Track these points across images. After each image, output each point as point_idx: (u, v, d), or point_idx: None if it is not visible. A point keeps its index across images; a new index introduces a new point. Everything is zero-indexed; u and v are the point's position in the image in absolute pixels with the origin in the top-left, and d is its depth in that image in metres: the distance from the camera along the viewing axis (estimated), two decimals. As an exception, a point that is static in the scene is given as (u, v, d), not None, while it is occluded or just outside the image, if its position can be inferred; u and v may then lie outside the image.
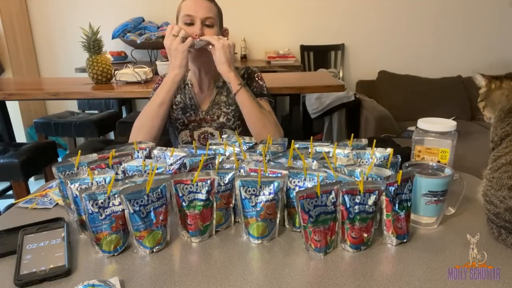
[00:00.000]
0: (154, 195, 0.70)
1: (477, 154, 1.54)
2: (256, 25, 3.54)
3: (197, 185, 0.74)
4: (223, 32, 1.34)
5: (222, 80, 1.35)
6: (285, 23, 3.59)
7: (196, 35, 1.21)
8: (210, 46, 1.21)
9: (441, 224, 0.81)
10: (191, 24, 1.23)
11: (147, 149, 0.97)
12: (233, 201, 0.81)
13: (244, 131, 1.37)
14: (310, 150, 0.92)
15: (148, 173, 0.78)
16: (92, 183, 0.74)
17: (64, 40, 3.50)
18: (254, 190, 0.73)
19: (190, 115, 1.36)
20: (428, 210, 0.79)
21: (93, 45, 2.07)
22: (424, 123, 0.93)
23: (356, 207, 0.69)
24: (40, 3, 3.45)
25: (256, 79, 1.37)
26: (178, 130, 1.38)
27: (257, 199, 0.73)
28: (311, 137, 0.97)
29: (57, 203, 0.93)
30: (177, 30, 1.18)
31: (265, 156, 0.87)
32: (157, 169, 0.80)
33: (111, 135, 3.36)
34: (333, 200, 0.70)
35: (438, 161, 0.91)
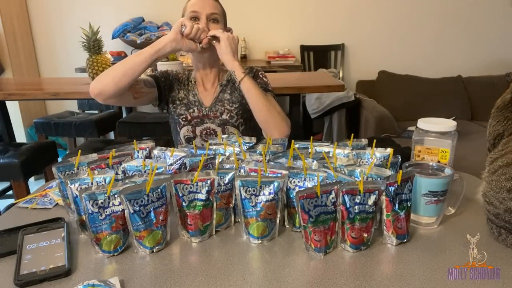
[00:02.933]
0: (154, 195, 0.70)
1: (477, 154, 1.53)
2: (256, 25, 3.54)
3: (197, 185, 0.74)
4: (228, 32, 1.35)
5: (226, 78, 1.37)
6: (285, 23, 3.59)
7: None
8: (214, 41, 1.23)
9: (441, 224, 0.81)
10: (196, 19, 1.25)
11: (147, 149, 0.97)
12: (233, 201, 0.81)
13: (247, 130, 1.38)
14: (310, 150, 0.92)
15: (148, 173, 0.78)
16: (92, 183, 0.74)
17: (64, 40, 3.50)
18: (254, 190, 0.73)
19: (193, 111, 1.37)
20: (428, 210, 0.79)
21: (93, 45, 2.06)
22: (424, 123, 0.93)
23: (356, 207, 0.69)
24: (40, 3, 3.45)
25: (261, 76, 1.39)
26: (180, 125, 1.39)
27: (257, 199, 0.73)
28: (311, 137, 0.97)
29: (57, 203, 0.93)
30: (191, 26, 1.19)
31: (265, 156, 0.87)
32: (157, 169, 0.80)
33: (111, 135, 3.36)
34: (333, 200, 0.70)
35: (438, 161, 0.91)
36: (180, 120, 1.38)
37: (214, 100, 1.36)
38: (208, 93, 1.38)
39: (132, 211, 0.68)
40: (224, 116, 1.35)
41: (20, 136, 3.27)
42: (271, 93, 1.35)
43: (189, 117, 1.37)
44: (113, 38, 3.26)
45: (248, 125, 1.37)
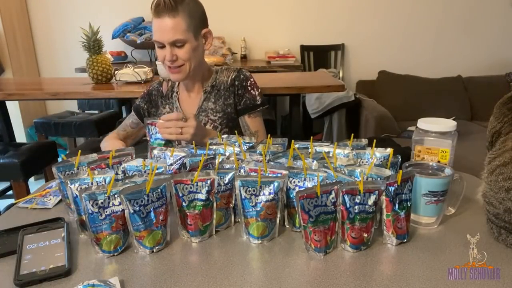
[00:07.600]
0: (154, 195, 0.70)
1: (477, 154, 1.53)
2: (256, 25, 3.54)
3: (197, 185, 0.74)
4: (205, 34, 1.27)
5: (210, 84, 1.33)
6: (285, 23, 3.58)
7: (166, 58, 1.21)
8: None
9: (441, 224, 0.81)
10: (162, 47, 1.21)
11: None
12: (233, 201, 0.81)
13: None
14: (310, 150, 0.92)
15: (148, 173, 0.78)
16: (92, 183, 0.74)
17: (64, 40, 3.50)
18: (254, 190, 0.73)
19: None
20: (428, 210, 0.79)
21: (93, 45, 2.07)
22: (424, 123, 0.93)
23: (356, 207, 0.69)
24: (40, 3, 3.44)
25: (249, 88, 1.33)
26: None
27: (257, 199, 0.73)
28: (311, 137, 0.97)
29: (57, 203, 0.93)
30: None
31: (265, 156, 0.87)
32: (157, 169, 0.80)
33: (111, 135, 3.35)
34: (333, 200, 0.70)
35: (438, 161, 0.91)
36: None
37: (197, 111, 1.33)
38: (192, 102, 1.35)
39: (132, 211, 0.68)
40: (208, 127, 1.31)
41: (20, 136, 3.27)
42: (260, 108, 1.32)
43: None
44: (113, 38, 3.26)
45: (234, 134, 1.33)
